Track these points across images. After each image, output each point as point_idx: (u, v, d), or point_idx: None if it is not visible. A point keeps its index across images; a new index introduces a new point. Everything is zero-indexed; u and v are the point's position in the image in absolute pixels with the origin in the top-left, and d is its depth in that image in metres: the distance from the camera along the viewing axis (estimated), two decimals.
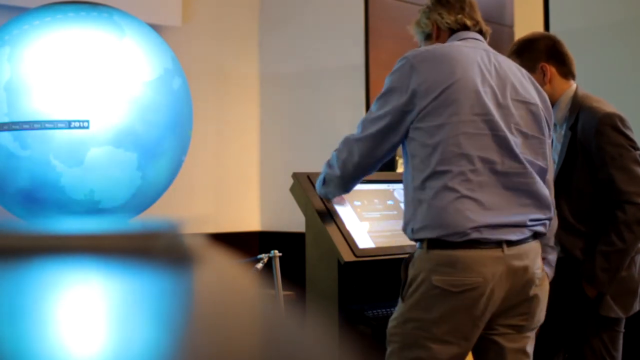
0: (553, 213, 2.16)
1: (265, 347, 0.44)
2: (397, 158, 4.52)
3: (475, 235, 1.98)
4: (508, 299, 2.06)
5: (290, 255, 3.39)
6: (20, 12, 3.22)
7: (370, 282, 2.72)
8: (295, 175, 2.73)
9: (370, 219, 2.78)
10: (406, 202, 2.12)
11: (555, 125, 2.64)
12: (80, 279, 0.56)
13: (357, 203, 2.77)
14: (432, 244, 2.01)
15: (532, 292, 2.09)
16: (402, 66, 2.09)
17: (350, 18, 4.74)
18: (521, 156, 2.08)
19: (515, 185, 2.06)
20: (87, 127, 2.87)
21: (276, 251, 3.17)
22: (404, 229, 2.13)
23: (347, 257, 2.54)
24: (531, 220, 2.08)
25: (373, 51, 4.66)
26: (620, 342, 2.58)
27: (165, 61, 3.12)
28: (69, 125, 2.86)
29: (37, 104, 2.87)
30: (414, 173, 2.06)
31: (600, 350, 2.54)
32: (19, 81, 2.88)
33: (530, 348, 2.14)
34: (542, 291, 2.13)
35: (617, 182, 2.48)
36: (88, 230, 0.61)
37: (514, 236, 2.04)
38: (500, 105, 2.08)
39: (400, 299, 2.10)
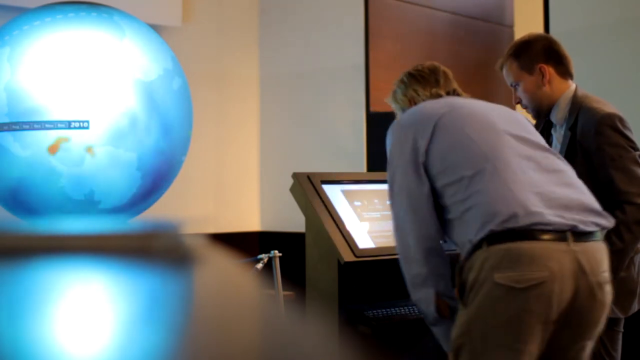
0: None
1: (265, 347, 0.44)
2: None
3: (536, 217, 1.88)
4: (575, 300, 1.92)
5: (290, 255, 3.39)
6: (20, 12, 3.22)
7: (370, 282, 2.72)
8: (295, 175, 2.73)
9: (370, 219, 2.78)
10: (447, 230, 2.08)
11: (555, 125, 2.64)
12: (80, 279, 0.56)
13: (357, 203, 2.77)
14: (491, 239, 1.90)
15: (599, 296, 1.95)
16: (396, 135, 2.16)
17: (350, 18, 4.74)
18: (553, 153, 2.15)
19: (560, 179, 2.06)
20: (87, 127, 2.87)
21: (276, 251, 3.17)
22: (461, 249, 2.03)
23: (347, 257, 2.54)
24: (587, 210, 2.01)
25: (373, 51, 4.66)
26: (620, 341, 2.58)
27: (165, 61, 3.12)
28: (69, 125, 2.86)
29: (37, 104, 2.87)
30: (451, 208, 2.03)
31: (600, 350, 2.54)
32: (19, 81, 2.88)
33: (585, 357, 2.03)
34: (608, 297, 1.99)
35: (616, 183, 2.47)
36: (88, 230, 0.61)
37: (578, 223, 1.93)
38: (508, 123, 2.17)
39: (461, 306, 1.97)
